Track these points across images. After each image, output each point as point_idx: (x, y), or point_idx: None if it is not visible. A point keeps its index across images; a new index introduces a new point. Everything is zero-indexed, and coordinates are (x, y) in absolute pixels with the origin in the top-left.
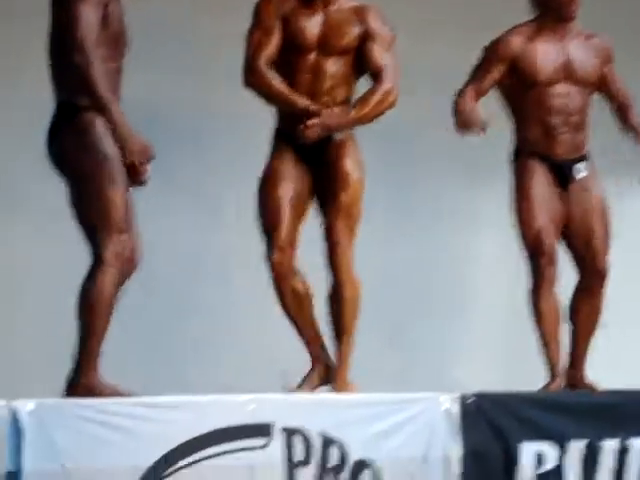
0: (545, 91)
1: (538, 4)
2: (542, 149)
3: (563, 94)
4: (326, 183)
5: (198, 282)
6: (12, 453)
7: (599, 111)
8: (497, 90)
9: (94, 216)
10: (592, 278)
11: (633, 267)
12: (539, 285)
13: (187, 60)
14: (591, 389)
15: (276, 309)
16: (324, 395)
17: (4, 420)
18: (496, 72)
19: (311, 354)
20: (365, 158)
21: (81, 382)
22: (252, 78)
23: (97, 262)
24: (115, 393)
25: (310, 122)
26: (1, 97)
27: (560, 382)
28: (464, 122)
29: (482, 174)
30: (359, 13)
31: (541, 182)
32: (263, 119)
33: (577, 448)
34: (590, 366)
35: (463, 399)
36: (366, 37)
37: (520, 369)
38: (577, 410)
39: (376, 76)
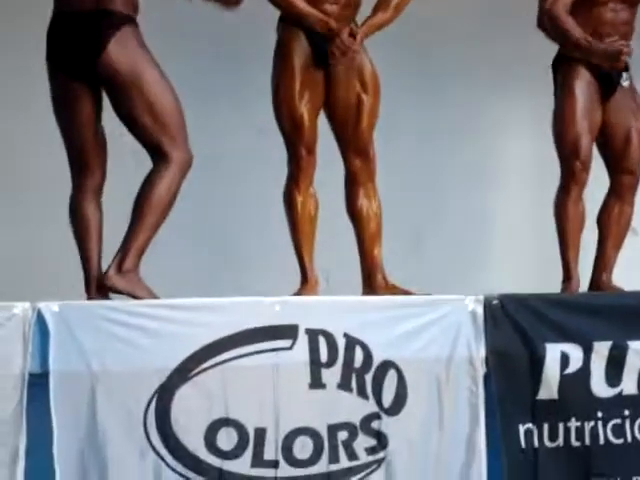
0: (598, 7)
1: None
2: None
3: (615, 9)
4: (343, 83)
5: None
6: (38, 355)
7: None
8: None
9: (160, 120)
10: (624, 182)
11: None
12: (569, 188)
13: None
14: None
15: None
16: (349, 297)
17: (29, 322)
18: None
19: (304, 268)
20: (387, 67)
21: (123, 267)
22: None
23: (166, 161)
24: (147, 294)
25: (347, 43)
26: None
27: (576, 282)
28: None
29: (506, 83)
30: None
31: (585, 88)
32: None
33: (602, 349)
34: (618, 272)
35: (488, 300)
36: None
37: (544, 277)
38: (602, 312)
39: None
